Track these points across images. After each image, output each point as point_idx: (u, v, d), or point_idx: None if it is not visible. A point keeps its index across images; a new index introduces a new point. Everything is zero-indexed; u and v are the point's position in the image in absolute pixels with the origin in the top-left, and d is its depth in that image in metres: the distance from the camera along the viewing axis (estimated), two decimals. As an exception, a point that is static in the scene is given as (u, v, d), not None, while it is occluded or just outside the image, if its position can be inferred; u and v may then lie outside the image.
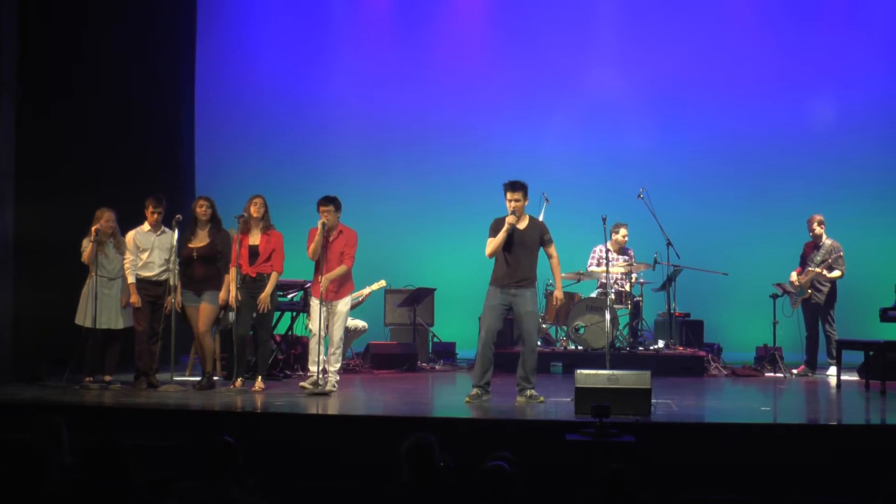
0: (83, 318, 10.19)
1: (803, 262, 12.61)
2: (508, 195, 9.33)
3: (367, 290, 12.72)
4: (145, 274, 10.24)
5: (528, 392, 9.23)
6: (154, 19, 13.40)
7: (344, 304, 10.16)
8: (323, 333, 10.00)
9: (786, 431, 8.02)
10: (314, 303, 10.07)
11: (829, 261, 12.28)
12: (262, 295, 10.04)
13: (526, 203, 9.43)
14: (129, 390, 9.95)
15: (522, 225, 9.40)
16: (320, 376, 9.88)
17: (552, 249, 9.54)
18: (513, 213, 9.30)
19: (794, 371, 12.50)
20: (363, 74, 15.37)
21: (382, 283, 12.97)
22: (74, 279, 10.45)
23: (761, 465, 7.43)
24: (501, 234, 9.27)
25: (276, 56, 15.28)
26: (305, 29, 15.38)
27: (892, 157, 14.61)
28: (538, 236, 9.43)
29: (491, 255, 9.43)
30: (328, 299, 9.98)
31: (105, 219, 10.20)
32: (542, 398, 9.20)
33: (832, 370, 11.92)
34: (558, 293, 9.72)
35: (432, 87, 15.27)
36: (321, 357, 9.93)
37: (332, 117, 15.23)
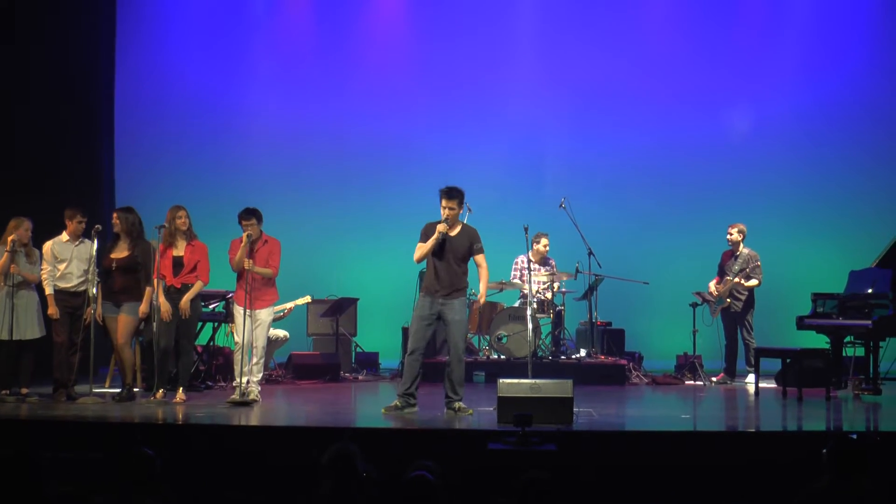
0: (-6, 330, 10.01)
1: (721, 272, 12.78)
2: (444, 202, 9.15)
3: (291, 305, 12.68)
4: (63, 285, 10.09)
5: (456, 405, 9.10)
6: (71, 29, 13.22)
7: (267, 314, 10.11)
8: (247, 345, 9.93)
9: (705, 439, 8.12)
10: (238, 312, 10.00)
11: (747, 270, 12.46)
12: (183, 300, 9.97)
13: (460, 211, 9.27)
14: (47, 403, 9.79)
15: (454, 232, 9.25)
16: (244, 387, 9.82)
17: (481, 258, 9.35)
18: (445, 220, 9.15)
19: (714, 379, 12.65)
20: (284, 85, 15.31)
21: (308, 298, 12.93)
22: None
23: (681, 472, 7.49)
24: (431, 242, 9.13)
25: (198, 67, 15.14)
26: (227, 40, 15.26)
27: (808, 167, 14.84)
28: (469, 244, 9.27)
29: (419, 261, 9.35)
30: (252, 307, 9.90)
31: (23, 228, 10.02)
32: (470, 411, 9.09)
33: (750, 378, 12.08)
34: (481, 299, 9.58)
35: (352, 97, 15.21)
36: (245, 367, 9.87)
37: (253, 128, 15.15)
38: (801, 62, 15.09)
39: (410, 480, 5.17)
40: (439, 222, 9.19)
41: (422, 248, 9.25)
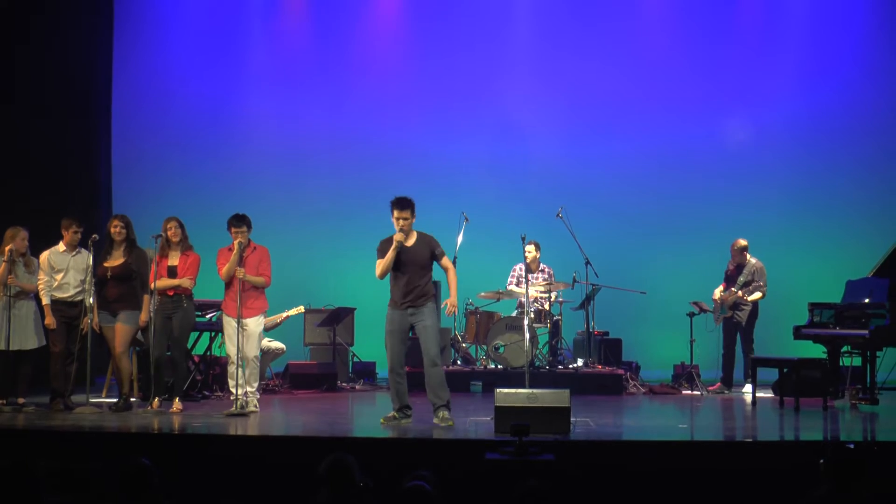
0: (-8, 339, 9.99)
1: (728, 279, 12.76)
2: (396, 213, 9.14)
3: (285, 314, 12.63)
4: (60, 295, 10.09)
5: (440, 413, 9.02)
6: (69, 38, 13.25)
7: (256, 323, 10.04)
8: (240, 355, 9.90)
9: (703, 448, 8.12)
10: (228, 323, 9.97)
11: (752, 284, 12.44)
12: (171, 283, 10.02)
13: (413, 220, 9.21)
14: (44, 412, 9.78)
15: (410, 242, 9.20)
16: (241, 398, 9.80)
17: (446, 261, 9.34)
18: (400, 230, 9.13)
19: (711, 388, 12.65)
20: (284, 94, 15.32)
21: (301, 308, 12.88)
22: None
23: (679, 482, 7.49)
24: (390, 254, 9.09)
25: (197, 76, 15.16)
26: (227, 50, 15.29)
27: (805, 178, 14.84)
28: (428, 252, 9.23)
29: (381, 276, 9.25)
30: (242, 316, 9.86)
31: (20, 238, 10.01)
32: (451, 421, 8.94)
33: (748, 387, 12.07)
34: (452, 305, 9.34)
35: (351, 107, 15.23)
36: (241, 379, 9.84)
37: (252, 137, 15.15)
38: (796, 72, 15.10)
39: (407, 490, 5.16)
40: (394, 234, 9.17)
41: (381, 263, 9.20)
